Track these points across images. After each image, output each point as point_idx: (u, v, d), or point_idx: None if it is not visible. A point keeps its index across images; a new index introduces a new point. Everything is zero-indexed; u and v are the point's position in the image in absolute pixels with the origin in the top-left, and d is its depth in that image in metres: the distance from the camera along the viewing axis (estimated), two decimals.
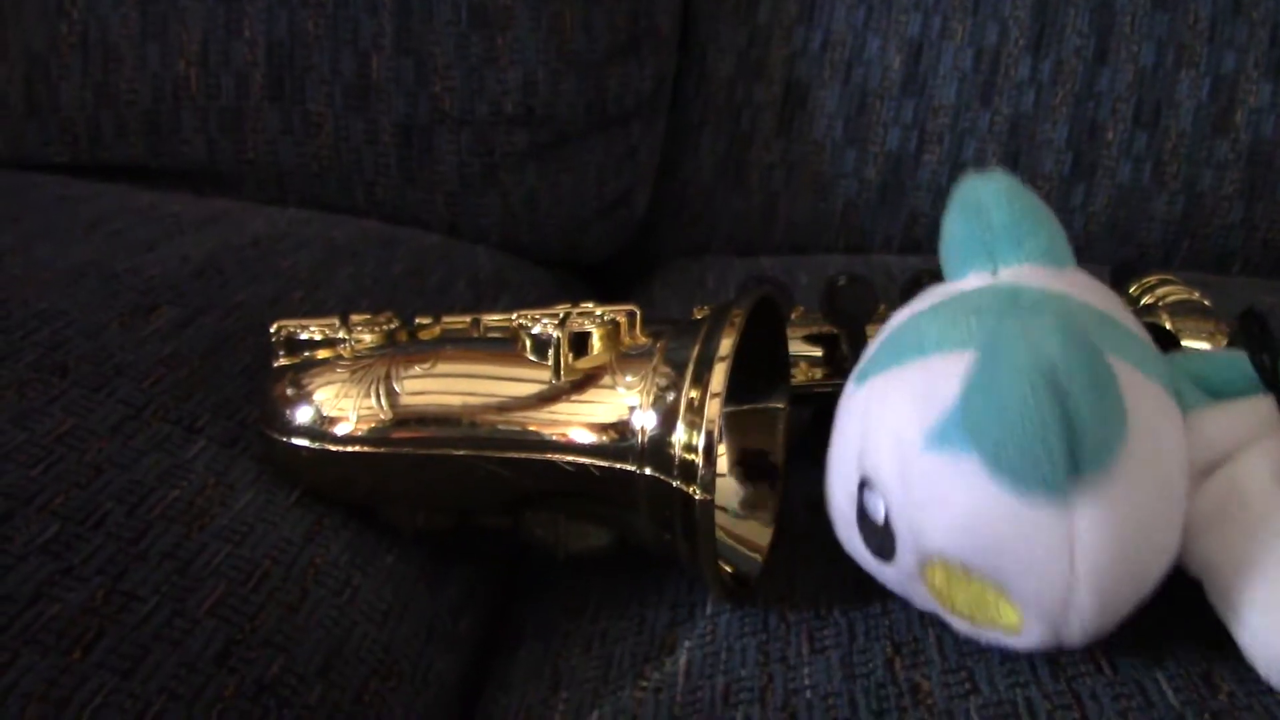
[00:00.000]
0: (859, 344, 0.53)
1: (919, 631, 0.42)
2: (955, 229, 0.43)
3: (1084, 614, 0.36)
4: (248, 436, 0.51)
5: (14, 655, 0.37)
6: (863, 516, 0.40)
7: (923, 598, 0.40)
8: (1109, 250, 0.89)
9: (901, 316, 0.42)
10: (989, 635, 0.39)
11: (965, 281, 0.42)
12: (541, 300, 0.81)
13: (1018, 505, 0.34)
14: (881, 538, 0.39)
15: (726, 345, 0.41)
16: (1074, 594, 0.35)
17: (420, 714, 0.46)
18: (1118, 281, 0.61)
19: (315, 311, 0.63)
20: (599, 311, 0.46)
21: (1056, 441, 0.32)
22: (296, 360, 0.49)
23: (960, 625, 0.40)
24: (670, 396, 0.42)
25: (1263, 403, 0.41)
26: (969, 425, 0.35)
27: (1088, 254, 0.89)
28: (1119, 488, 0.34)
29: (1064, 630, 0.37)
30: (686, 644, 0.45)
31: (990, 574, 0.36)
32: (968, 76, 0.88)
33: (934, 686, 0.39)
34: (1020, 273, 0.41)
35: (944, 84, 0.88)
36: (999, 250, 0.42)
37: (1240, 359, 0.42)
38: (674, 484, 0.41)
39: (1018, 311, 0.37)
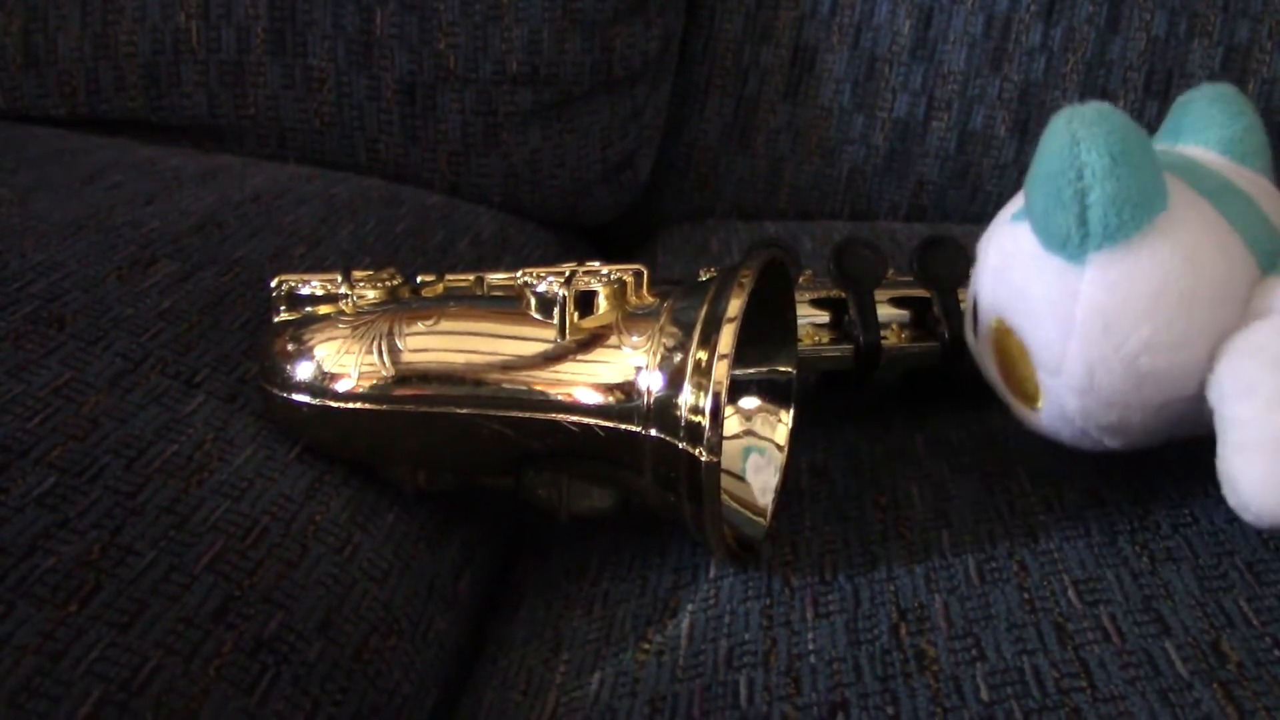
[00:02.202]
0: (867, 309, 0.53)
1: (925, 598, 0.42)
2: (1165, 126, 0.50)
3: (1074, 372, 0.41)
4: (247, 392, 0.50)
5: (9, 607, 0.36)
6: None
7: (994, 378, 0.47)
8: None
9: None
10: (1029, 417, 0.45)
11: None
12: (544, 261, 0.80)
13: (1041, 259, 0.41)
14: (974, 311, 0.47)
15: (735, 306, 0.41)
16: (1068, 347, 0.41)
17: (419, 672, 0.46)
18: None
19: (316, 268, 0.62)
20: (605, 270, 0.46)
21: (1070, 199, 0.39)
22: (297, 315, 0.49)
23: (1012, 404, 0.46)
24: (677, 357, 0.41)
25: None
26: (1025, 194, 0.42)
27: None
28: (1128, 264, 0.40)
29: (1062, 394, 0.42)
30: (689, 607, 0.45)
31: (1015, 323, 0.43)
32: (978, 42, 0.87)
33: (940, 653, 0.39)
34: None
35: (954, 50, 0.87)
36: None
37: None
38: (679, 446, 0.41)
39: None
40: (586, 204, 0.89)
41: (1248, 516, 0.40)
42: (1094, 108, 0.39)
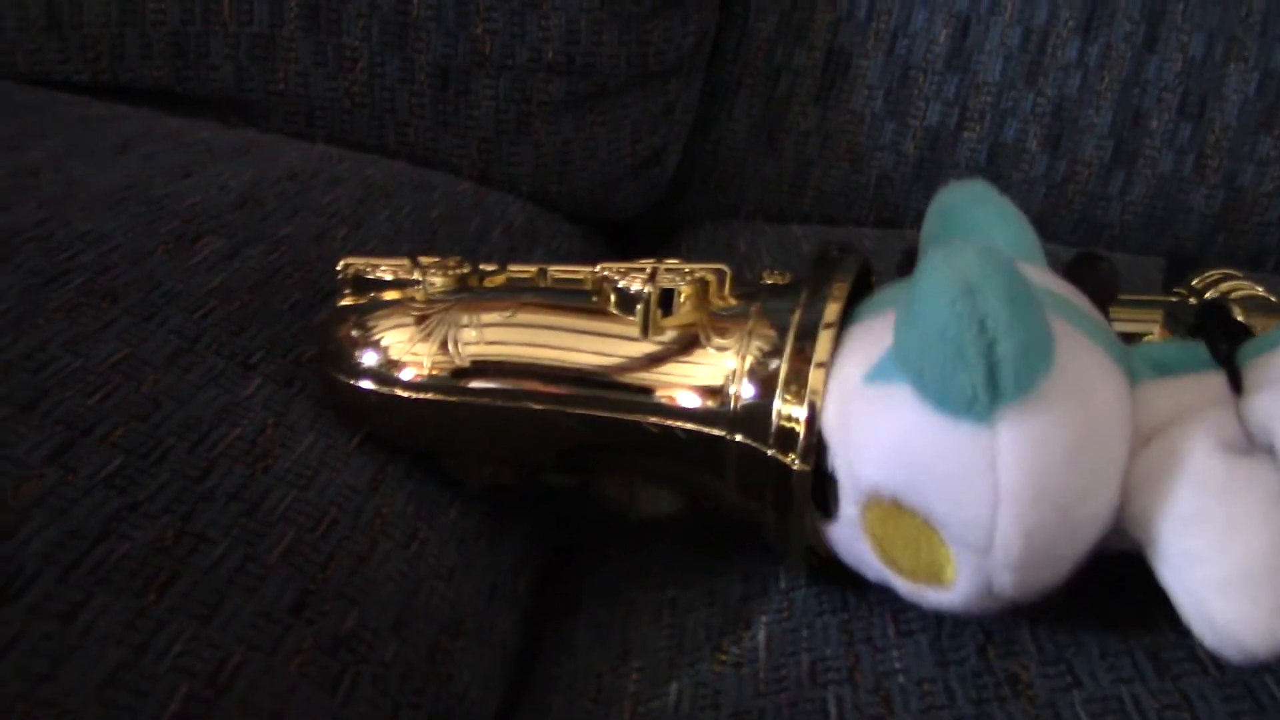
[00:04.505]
0: None
1: (1009, 620, 0.41)
2: (929, 230, 0.45)
3: (1010, 546, 0.35)
4: (303, 376, 0.49)
5: (88, 594, 0.34)
6: (817, 473, 0.40)
7: (869, 560, 0.40)
8: (1144, 240, 0.88)
9: None
10: (929, 595, 0.39)
11: None
12: (571, 254, 0.79)
13: (941, 426, 0.35)
14: (828, 489, 0.40)
15: (832, 312, 0.40)
16: (998, 519, 0.35)
17: (485, 675, 0.45)
18: (1175, 272, 0.60)
19: (359, 251, 0.61)
20: (688, 269, 0.45)
21: (975, 356, 0.33)
22: (363, 300, 0.47)
23: (903, 585, 0.39)
24: (772, 363, 0.40)
25: (1212, 378, 0.40)
26: (898, 353, 0.36)
27: (1122, 243, 0.88)
28: (1043, 416, 0.35)
29: (993, 571, 0.36)
30: (763, 619, 0.43)
31: (919, 503, 0.37)
32: (1014, 55, 0.87)
33: (1033, 678, 0.38)
34: None
35: (989, 61, 0.87)
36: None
37: (1197, 346, 0.42)
38: (768, 453, 0.40)
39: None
40: (614, 198, 0.88)
41: (1235, 653, 0.35)
42: (973, 248, 0.34)
